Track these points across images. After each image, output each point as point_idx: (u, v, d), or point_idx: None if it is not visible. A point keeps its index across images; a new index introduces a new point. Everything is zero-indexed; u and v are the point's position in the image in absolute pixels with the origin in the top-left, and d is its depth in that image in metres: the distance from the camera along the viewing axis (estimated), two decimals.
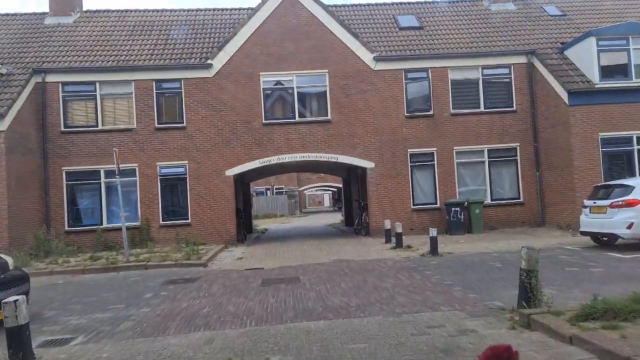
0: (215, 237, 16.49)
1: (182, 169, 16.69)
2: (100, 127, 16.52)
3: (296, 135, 16.95)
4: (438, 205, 17.00)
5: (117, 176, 13.06)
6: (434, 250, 12.05)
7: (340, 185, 40.93)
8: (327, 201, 71.20)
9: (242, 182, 23.04)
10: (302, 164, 20.21)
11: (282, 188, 50.02)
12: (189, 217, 16.60)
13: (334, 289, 8.25)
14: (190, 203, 16.63)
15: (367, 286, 8.36)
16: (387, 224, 15.18)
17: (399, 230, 13.77)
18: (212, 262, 13.03)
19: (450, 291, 7.55)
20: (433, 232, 12.12)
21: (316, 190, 61.49)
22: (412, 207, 17.02)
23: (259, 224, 29.68)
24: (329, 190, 60.93)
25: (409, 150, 17.05)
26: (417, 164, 17.17)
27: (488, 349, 1.76)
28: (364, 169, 17.39)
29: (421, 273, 9.41)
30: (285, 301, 7.53)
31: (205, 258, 13.10)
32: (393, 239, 14.36)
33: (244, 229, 19.45)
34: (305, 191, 57.65)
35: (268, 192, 49.23)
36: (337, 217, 34.06)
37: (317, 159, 17.08)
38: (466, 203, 16.39)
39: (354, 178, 22.44)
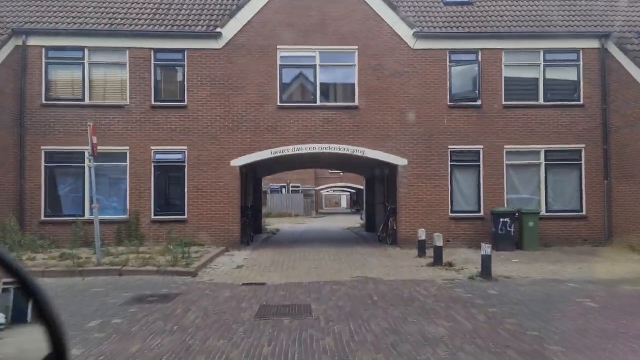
0: (215, 237, 13.91)
1: (180, 156, 14.16)
2: (87, 101, 14.06)
3: (316, 122, 14.24)
4: (482, 214, 14.13)
5: (90, 157, 10.57)
6: (486, 272, 9.29)
7: (360, 187, 38.29)
8: (344, 203, 68.53)
9: (254, 176, 20.49)
10: (321, 158, 17.56)
11: (298, 186, 47.36)
12: (186, 213, 14.05)
13: (360, 334, 5.55)
14: (187, 196, 14.08)
15: (410, 331, 5.64)
16: (422, 234, 12.40)
17: (439, 243, 11.00)
18: (204, 271, 10.46)
19: (548, 354, 4.78)
20: (487, 249, 9.32)
21: (334, 190, 58.72)
22: (450, 214, 14.21)
23: (272, 223, 27.11)
24: (347, 191, 58.12)
25: (449, 147, 14.23)
26: (458, 163, 14.35)
27: None
28: (394, 167, 14.63)
29: (483, 310, 6.64)
30: (286, 353, 4.86)
31: (196, 264, 10.57)
32: (427, 252, 11.70)
33: (251, 230, 16.83)
34: (322, 191, 54.89)
35: (283, 190, 46.66)
36: (355, 220, 31.35)
37: (340, 151, 14.36)
38: (517, 214, 13.51)
39: (379, 177, 19.67)
